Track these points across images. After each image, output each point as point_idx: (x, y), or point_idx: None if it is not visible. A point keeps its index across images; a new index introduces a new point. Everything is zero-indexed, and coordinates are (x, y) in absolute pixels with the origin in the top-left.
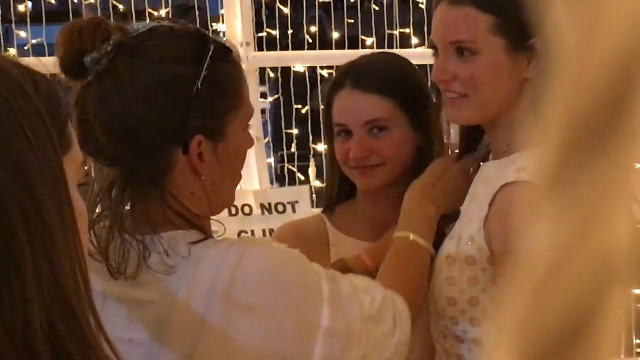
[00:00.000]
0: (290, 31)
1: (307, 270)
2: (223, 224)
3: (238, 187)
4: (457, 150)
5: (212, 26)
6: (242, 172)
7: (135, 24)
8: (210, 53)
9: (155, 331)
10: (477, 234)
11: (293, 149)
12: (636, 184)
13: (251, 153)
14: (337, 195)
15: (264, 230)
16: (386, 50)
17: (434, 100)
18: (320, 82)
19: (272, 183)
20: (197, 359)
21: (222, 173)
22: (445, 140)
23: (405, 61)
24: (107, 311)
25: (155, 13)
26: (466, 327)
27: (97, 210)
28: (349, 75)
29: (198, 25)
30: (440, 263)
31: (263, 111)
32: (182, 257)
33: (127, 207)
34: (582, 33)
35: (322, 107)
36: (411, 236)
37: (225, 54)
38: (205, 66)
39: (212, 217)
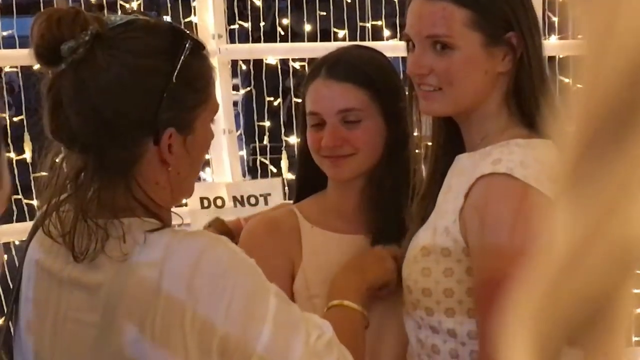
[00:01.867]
0: (262, 23)
1: (258, 283)
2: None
3: (210, 180)
4: (430, 143)
5: (184, 19)
6: (215, 164)
7: (112, 16)
8: (185, 47)
9: (107, 313)
10: (452, 226)
11: (265, 142)
12: None
13: (223, 146)
14: (307, 186)
15: None
16: (358, 42)
17: (407, 93)
18: (292, 75)
19: (244, 175)
20: (147, 342)
21: (187, 165)
22: (416, 133)
23: (380, 54)
24: (64, 293)
25: (127, 5)
26: (441, 317)
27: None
28: (324, 65)
29: (170, 18)
30: (415, 254)
31: (235, 103)
32: (138, 243)
33: (92, 193)
34: (598, 35)
35: (294, 100)
36: (345, 302)
37: (198, 49)
38: (181, 60)
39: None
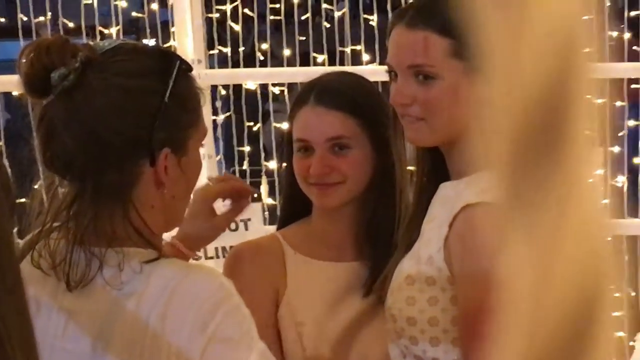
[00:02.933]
0: (241, 48)
1: (245, 335)
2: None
3: None
4: (412, 168)
5: (163, 44)
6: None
7: (100, 42)
8: (176, 68)
9: (98, 342)
10: (436, 255)
11: (245, 166)
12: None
13: (203, 170)
14: (292, 212)
15: (216, 249)
16: (338, 67)
17: (393, 121)
18: (272, 100)
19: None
20: None
21: (182, 188)
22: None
23: (368, 82)
24: (53, 323)
25: (107, 31)
26: (426, 347)
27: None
28: (313, 91)
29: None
30: (400, 282)
31: (215, 128)
32: (135, 273)
33: (88, 221)
34: (509, 40)
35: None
36: None
37: (188, 70)
38: (173, 80)
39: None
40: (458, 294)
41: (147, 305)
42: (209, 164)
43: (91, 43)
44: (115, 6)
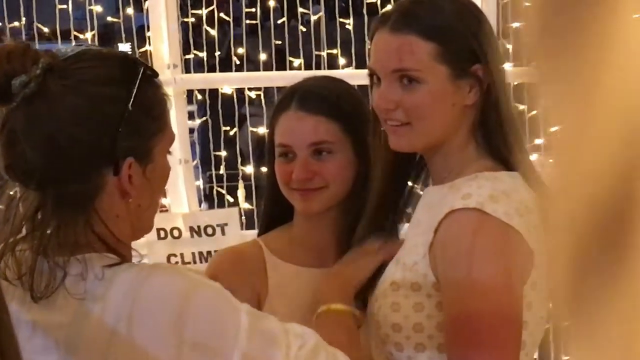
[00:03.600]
0: (217, 53)
1: (222, 302)
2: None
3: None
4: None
5: (139, 49)
6: (171, 194)
7: (63, 48)
8: (140, 75)
9: (66, 353)
10: (422, 261)
11: (222, 171)
12: None
13: (179, 175)
14: (273, 218)
15: (193, 254)
16: (314, 71)
17: (374, 126)
18: (248, 104)
19: (200, 204)
20: None
21: (147, 196)
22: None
23: (349, 86)
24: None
25: (81, 36)
26: (411, 353)
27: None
28: (295, 96)
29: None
30: (384, 289)
31: (191, 132)
32: (96, 279)
33: (51, 231)
34: (577, 126)
35: (250, 129)
36: (332, 306)
37: (153, 77)
38: (136, 88)
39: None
40: (443, 299)
41: (112, 311)
42: (185, 168)
43: (53, 50)
44: (90, 11)
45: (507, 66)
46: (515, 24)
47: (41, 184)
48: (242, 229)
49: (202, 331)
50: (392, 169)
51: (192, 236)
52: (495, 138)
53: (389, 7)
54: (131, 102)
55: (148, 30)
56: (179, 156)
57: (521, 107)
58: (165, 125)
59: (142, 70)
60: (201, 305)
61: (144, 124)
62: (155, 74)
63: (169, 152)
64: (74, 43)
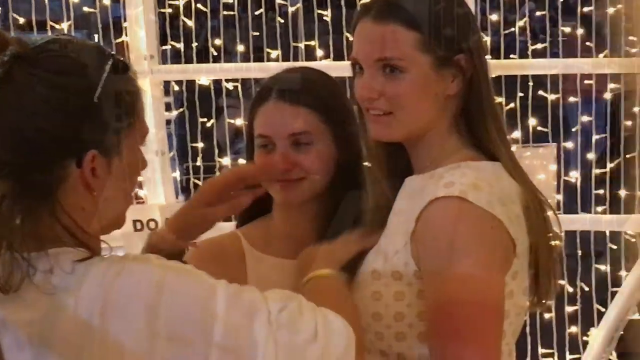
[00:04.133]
0: (194, 44)
1: (195, 284)
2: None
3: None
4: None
5: (115, 39)
6: (148, 185)
7: (33, 37)
8: (108, 67)
9: (39, 351)
10: (403, 249)
11: (199, 163)
12: None
13: (156, 167)
14: (252, 209)
15: None
16: (292, 62)
17: (357, 117)
18: (225, 96)
19: (177, 196)
20: None
21: (115, 190)
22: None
23: (328, 77)
24: None
25: (57, 26)
26: (391, 342)
27: None
28: (274, 87)
29: (102, 38)
30: (365, 278)
31: (168, 123)
32: (67, 274)
33: (16, 222)
34: None
35: (227, 120)
36: (317, 273)
37: (124, 70)
38: (103, 80)
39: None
40: (425, 288)
41: (85, 305)
42: (161, 160)
43: (23, 37)
44: (67, 1)
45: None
46: (494, 17)
47: (5, 174)
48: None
49: (177, 320)
50: (387, 168)
51: None
52: (477, 128)
53: None
54: (97, 94)
55: (125, 20)
56: (156, 147)
57: (499, 99)
58: (137, 118)
59: (110, 62)
60: (175, 292)
61: (112, 118)
62: (127, 67)
63: (142, 144)
64: (49, 33)
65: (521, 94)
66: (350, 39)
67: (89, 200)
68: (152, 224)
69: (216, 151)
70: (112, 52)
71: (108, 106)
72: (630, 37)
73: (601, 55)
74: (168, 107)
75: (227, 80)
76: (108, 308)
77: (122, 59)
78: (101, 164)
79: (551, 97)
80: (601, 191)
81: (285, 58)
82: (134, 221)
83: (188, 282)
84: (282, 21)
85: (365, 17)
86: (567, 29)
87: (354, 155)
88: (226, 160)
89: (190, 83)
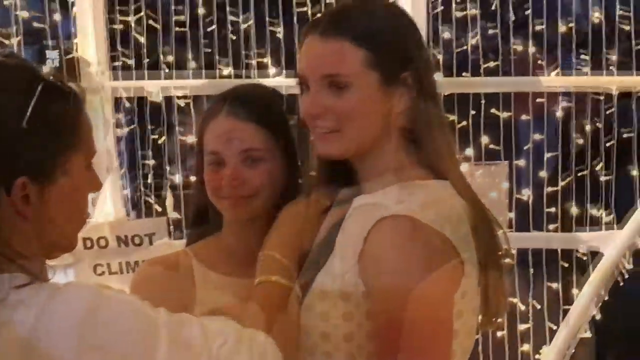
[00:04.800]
0: (146, 60)
1: (135, 316)
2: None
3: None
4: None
5: (66, 55)
6: (98, 203)
7: None
8: (38, 91)
9: None
10: (351, 269)
11: (149, 180)
12: None
13: (106, 184)
14: (202, 227)
15: (120, 264)
16: (244, 79)
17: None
18: (177, 112)
19: (128, 214)
20: None
21: (58, 215)
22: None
23: (279, 94)
24: None
25: (7, 41)
26: None
27: None
28: (225, 103)
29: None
30: (313, 298)
31: (119, 139)
32: (3, 301)
33: None
34: None
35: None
36: (273, 278)
37: (57, 93)
38: (32, 104)
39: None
40: (373, 308)
41: (16, 334)
42: (111, 176)
43: None
44: (16, 16)
45: (438, 76)
46: (446, 34)
47: None
48: (170, 238)
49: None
50: (328, 180)
51: (119, 246)
52: (425, 146)
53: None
54: (26, 118)
55: (75, 37)
56: (106, 164)
57: (451, 117)
58: (78, 141)
59: (41, 86)
60: (111, 319)
61: (45, 143)
62: (62, 89)
63: (87, 167)
64: None
65: (473, 112)
66: None
67: (25, 225)
68: (102, 242)
69: (167, 168)
70: (47, 75)
71: (40, 131)
72: (582, 55)
73: (553, 73)
74: (119, 124)
75: (178, 97)
76: (42, 336)
77: (58, 81)
78: (34, 190)
79: (503, 114)
80: (553, 209)
81: (238, 74)
82: (84, 239)
83: (127, 310)
84: (234, 38)
85: (313, 33)
86: (519, 47)
87: (302, 172)
88: (177, 178)
89: (141, 99)
